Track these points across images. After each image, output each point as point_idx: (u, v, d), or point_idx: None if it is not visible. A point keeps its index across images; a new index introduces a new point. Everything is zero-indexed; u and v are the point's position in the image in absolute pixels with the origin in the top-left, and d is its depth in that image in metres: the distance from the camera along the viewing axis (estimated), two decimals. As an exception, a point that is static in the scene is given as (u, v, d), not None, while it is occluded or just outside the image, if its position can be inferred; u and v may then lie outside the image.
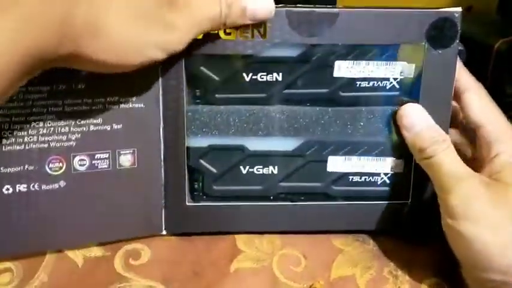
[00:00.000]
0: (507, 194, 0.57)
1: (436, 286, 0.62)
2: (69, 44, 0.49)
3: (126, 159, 0.61)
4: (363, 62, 0.61)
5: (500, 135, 0.61)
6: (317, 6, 0.60)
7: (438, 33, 0.60)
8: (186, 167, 0.63)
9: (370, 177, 0.65)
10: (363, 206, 0.66)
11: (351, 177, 0.65)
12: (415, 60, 0.61)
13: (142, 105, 0.60)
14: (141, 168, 0.62)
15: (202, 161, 0.64)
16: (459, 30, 0.60)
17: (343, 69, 0.61)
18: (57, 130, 0.59)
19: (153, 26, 0.53)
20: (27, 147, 0.58)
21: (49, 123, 0.58)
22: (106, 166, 0.61)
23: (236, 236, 0.66)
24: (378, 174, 0.65)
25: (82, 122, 0.59)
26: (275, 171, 0.65)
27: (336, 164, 0.65)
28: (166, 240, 0.65)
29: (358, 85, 0.62)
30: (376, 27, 0.60)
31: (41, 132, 0.58)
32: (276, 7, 0.58)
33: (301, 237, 0.66)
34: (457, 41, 0.61)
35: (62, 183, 0.60)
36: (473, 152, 0.64)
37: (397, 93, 0.63)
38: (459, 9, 0.60)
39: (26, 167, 0.59)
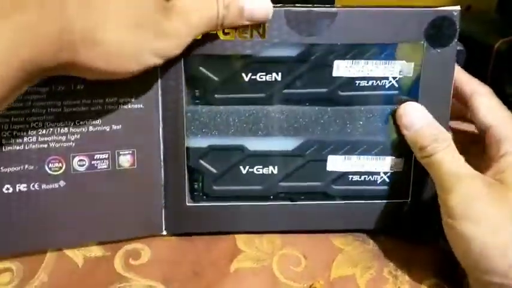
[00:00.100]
0: (508, 195, 0.56)
1: (436, 286, 0.61)
2: (67, 53, 0.49)
3: (125, 160, 0.61)
4: (362, 61, 0.61)
5: (510, 135, 0.60)
6: (315, 5, 0.60)
7: (437, 32, 0.60)
8: (185, 168, 0.63)
9: (370, 177, 0.65)
10: (363, 205, 0.66)
11: (350, 176, 0.65)
12: (414, 59, 0.61)
13: (141, 105, 0.60)
14: (141, 168, 0.62)
15: (202, 161, 0.64)
16: (458, 29, 0.60)
17: (342, 68, 0.61)
18: (57, 131, 0.59)
19: (150, 34, 0.52)
20: (26, 148, 0.58)
21: (48, 124, 0.58)
22: (105, 166, 0.61)
23: (236, 236, 0.66)
24: (378, 173, 0.65)
25: (81, 122, 0.59)
26: (275, 171, 0.64)
27: (336, 163, 0.64)
28: (166, 240, 0.65)
29: (357, 84, 0.62)
30: (374, 26, 0.60)
31: (40, 133, 0.58)
32: (275, 7, 0.58)
33: (301, 237, 0.66)
34: (456, 40, 0.61)
35: (62, 183, 0.60)
36: (483, 154, 0.64)
37: (396, 92, 0.62)
38: (458, 8, 0.60)
39: (26, 166, 0.59)
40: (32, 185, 0.59)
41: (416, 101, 0.62)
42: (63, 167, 0.60)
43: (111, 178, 0.61)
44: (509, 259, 0.54)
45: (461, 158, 0.59)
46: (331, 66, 0.61)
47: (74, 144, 0.59)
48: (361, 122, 0.63)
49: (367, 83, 0.62)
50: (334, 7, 0.60)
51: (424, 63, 0.61)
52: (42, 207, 0.60)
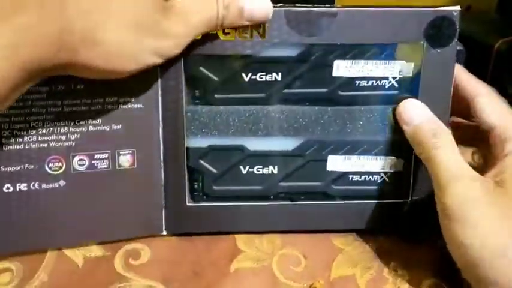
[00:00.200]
0: (504, 201, 0.55)
1: (436, 286, 0.61)
2: (67, 53, 0.48)
3: (125, 160, 0.61)
4: (362, 61, 0.61)
5: None
6: (315, 5, 0.59)
7: (436, 32, 0.60)
8: (186, 167, 0.63)
9: (370, 176, 0.65)
10: (363, 205, 0.65)
11: (350, 176, 0.65)
12: (413, 59, 0.61)
13: (141, 105, 0.60)
14: (141, 168, 0.61)
15: (202, 162, 0.63)
16: (458, 29, 0.60)
17: (342, 68, 0.61)
18: (57, 130, 0.58)
19: (149, 33, 0.52)
20: (26, 147, 0.58)
21: (48, 124, 0.58)
22: (105, 166, 0.61)
23: (236, 235, 0.66)
24: (378, 173, 0.65)
25: (81, 122, 0.59)
26: (275, 171, 0.64)
27: (336, 163, 0.64)
28: (166, 240, 0.65)
29: (357, 84, 0.62)
30: (374, 26, 0.60)
31: (40, 132, 0.58)
32: (275, 7, 0.58)
33: (301, 237, 0.65)
34: (456, 40, 0.60)
35: (62, 183, 0.60)
36: (488, 155, 0.63)
37: (396, 92, 0.62)
38: (457, 7, 0.60)
39: (26, 166, 0.59)
40: (32, 184, 0.59)
41: None
42: (63, 167, 0.59)
43: (111, 178, 0.61)
44: (497, 270, 0.53)
45: (461, 157, 0.58)
46: (331, 66, 0.61)
47: (74, 143, 0.59)
48: (361, 122, 0.63)
49: (367, 83, 0.61)
50: (334, 7, 0.60)
51: (424, 63, 0.61)
52: (42, 206, 0.60)
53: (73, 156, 0.60)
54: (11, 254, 0.61)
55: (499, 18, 0.85)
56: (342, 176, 0.65)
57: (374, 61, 0.61)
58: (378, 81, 0.61)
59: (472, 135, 0.64)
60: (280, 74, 0.61)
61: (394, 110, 0.62)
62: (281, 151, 0.63)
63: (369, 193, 0.65)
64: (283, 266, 0.62)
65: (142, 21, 0.51)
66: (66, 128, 0.59)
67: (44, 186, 0.60)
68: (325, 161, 0.64)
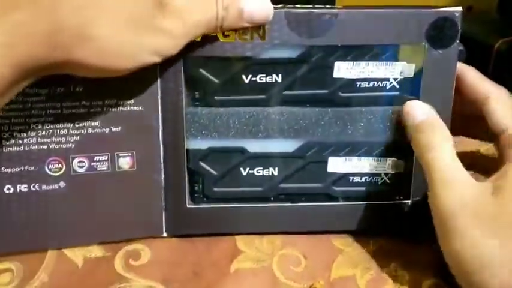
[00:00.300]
0: (495, 208, 0.53)
1: (436, 286, 0.60)
2: (60, 51, 0.48)
3: (125, 162, 0.60)
4: (363, 63, 0.60)
5: None
6: (316, 6, 0.58)
7: (438, 33, 0.58)
8: (186, 170, 0.62)
9: (371, 178, 0.64)
10: (364, 206, 0.64)
11: (351, 177, 0.64)
12: (415, 60, 0.60)
13: (141, 108, 0.59)
14: (141, 170, 0.61)
15: (202, 163, 0.62)
16: (459, 30, 0.58)
17: (342, 70, 0.60)
18: (56, 132, 0.58)
19: (145, 31, 0.51)
20: (26, 149, 0.58)
21: (48, 126, 0.57)
22: (105, 168, 0.60)
23: (236, 236, 0.65)
24: (379, 175, 0.64)
25: (80, 124, 0.58)
26: (275, 173, 0.63)
27: (336, 164, 0.63)
28: (166, 241, 0.64)
29: (358, 85, 0.60)
30: (375, 27, 0.58)
31: (39, 134, 0.58)
32: (275, 8, 0.56)
33: (301, 238, 0.65)
34: (458, 41, 0.59)
35: (62, 184, 0.59)
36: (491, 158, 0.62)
37: (397, 93, 0.61)
38: (459, 8, 0.58)
39: (26, 167, 0.58)
40: (32, 185, 0.59)
41: None
42: (63, 168, 0.59)
43: (110, 180, 0.60)
44: (482, 282, 0.52)
45: (458, 162, 0.56)
46: (331, 68, 0.60)
47: (73, 145, 0.59)
48: (361, 124, 0.62)
49: (368, 84, 0.60)
50: (335, 8, 0.59)
51: (425, 65, 0.60)
52: (43, 207, 0.60)
53: (73, 158, 0.59)
54: (11, 254, 0.61)
55: (499, 18, 0.85)
56: (343, 178, 0.64)
57: (375, 62, 0.60)
58: (379, 83, 0.60)
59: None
60: (280, 75, 0.60)
61: (395, 112, 0.61)
62: (281, 153, 0.63)
63: (369, 194, 0.64)
64: (283, 266, 0.62)
65: (138, 18, 0.50)
66: (65, 130, 0.58)
67: (44, 187, 0.59)
68: (326, 162, 0.63)
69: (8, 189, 0.58)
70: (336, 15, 0.58)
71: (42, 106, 0.57)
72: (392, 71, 0.60)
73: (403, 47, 0.59)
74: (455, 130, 0.60)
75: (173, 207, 0.63)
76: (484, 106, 0.61)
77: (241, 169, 0.63)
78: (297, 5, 0.58)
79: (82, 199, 0.60)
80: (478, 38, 0.68)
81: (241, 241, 0.64)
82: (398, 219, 0.65)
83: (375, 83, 0.60)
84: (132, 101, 0.59)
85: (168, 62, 0.56)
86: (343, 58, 0.59)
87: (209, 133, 0.61)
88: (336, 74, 0.60)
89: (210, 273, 0.61)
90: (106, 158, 0.60)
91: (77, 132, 0.58)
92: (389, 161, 0.63)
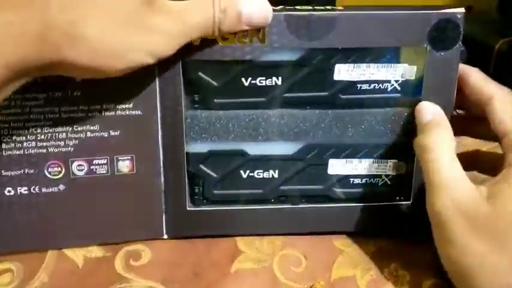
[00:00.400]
0: (487, 216, 0.52)
1: (436, 286, 0.59)
2: (50, 52, 0.46)
3: (124, 165, 0.59)
4: (363, 65, 0.58)
5: None
6: (316, 8, 0.57)
7: (440, 35, 0.57)
8: (185, 172, 0.61)
9: (371, 179, 0.63)
10: (364, 208, 0.63)
11: (351, 179, 0.63)
12: (416, 62, 0.58)
13: (139, 111, 0.58)
14: (140, 174, 0.60)
15: (202, 166, 0.61)
16: (462, 31, 0.57)
17: (343, 72, 0.58)
18: (55, 136, 0.57)
19: (136, 30, 0.49)
20: (26, 152, 0.57)
21: (46, 129, 0.57)
22: (104, 171, 0.59)
23: (237, 237, 0.64)
24: (379, 176, 0.63)
25: (79, 128, 0.58)
26: (275, 175, 0.62)
27: (337, 166, 0.62)
28: (166, 242, 0.63)
29: (358, 88, 0.59)
30: (376, 30, 0.57)
31: (39, 138, 0.57)
32: (274, 11, 0.55)
33: (301, 238, 0.64)
34: (460, 43, 0.57)
35: (62, 187, 0.59)
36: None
37: (398, 95, 0.60)
38: (462, 10, 0.57)
39: (26, 170, 0.58)
40: (32, 188, 0.58)
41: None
42: (63, 172, 0.58)
43: (110, 183, 0.60)
44: (477, 284, 0.51)
45: (457, 164, 0.55)
46: (332, 70, 0.58)
47: (72, 149, 0.58)
48: (362, 126, 0.61)
49: (369, 86, 0.59)
50: (335, 9, 0.57)
51: (427, 67, 0.58)
52: (43, 210, 0.59)
53: (72, 162, 0.58)
54: (11, 254, 0.60)
55: (499, 18, 0.85)
56: (343, 179, 0.63)
57: (376, 64, 0.58)
58: (380, 85, 0.59)
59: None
60: (280, 78, 0.58)
61: (396, 113, 0.61)
62: (282, 155, 0.62)
63: (370, 196, 0.64)
64: (283, 266, 0.61)
65: (127, 16, 0.48)
66: (64, 134, 0.58)
67: (44, 190, 0.59)
68: (326, 164, 0.62)
69: (9, 191, 0.58)
70: (336, 19, 0.56)
71: (41, 110, 0.56)
72: (393, 73, 0.59)
73: (404, 49, 0.58)
74: (456, 131, 0.59)
75: (173, 210, 0.62)
76: (487, 107, 0.59)
77: (242, 172, 0.62)
78: (296, 6, 0.57)
79: (82, 202, 0.60)
80: (478, 38, 0.67)
81: (241, 241, 0.64)
82: (399, 220, 0.64)
83: (376, 85, 0.59)
84: (130, 105, 0.58)
85: (166, 66, 0.56)
86: (344, 60, 0.58)
87: (209, 136, 0.60)
88: (337, 77, 0.59)
89: (211, 273, 0.60)
90: (105, 162, 0.59)
91: (76, 136, 0.58)
92: (390, 162, 0.62)
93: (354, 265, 0.61)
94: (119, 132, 0.58)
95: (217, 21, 0.52)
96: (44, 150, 0.58)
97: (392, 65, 0.59)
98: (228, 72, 0.58)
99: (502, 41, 0.73)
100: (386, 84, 0.59)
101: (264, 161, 0.62)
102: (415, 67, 0.59)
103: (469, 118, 0.63)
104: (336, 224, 0.64)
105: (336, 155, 0.62)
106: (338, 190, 0.63)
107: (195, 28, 0.52)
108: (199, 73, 0.58)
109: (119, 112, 0.58)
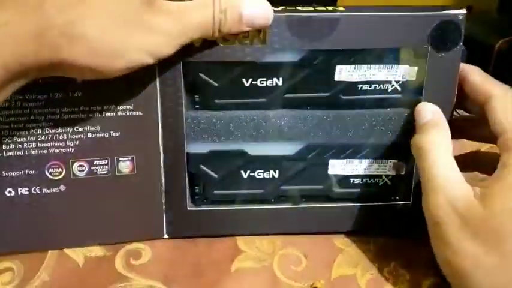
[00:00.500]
0: (478, 219, 0.51)
1: (436, 286, 0.59)
2: (49, 52, 0.46)
3: (125, 166, 0.59)
4: (365, 66, 0.58)
5: None
6: (317, 9, 0.56)
7: (441, 36, 0.56)
8: (186, 173, 0.60)
9: (372, 179, 0.63)
10: (364, 208, 0.63)
11: (352, 179, 0.63)
12: (417, 63, 0.58)
13: (140, 112, 0.58)
14: (141, 174, 0.60)
15: (202, 167, 0.61)
16: (463, 32, 0.56)
17: (344, 73, 0.58)
18: (56, 137, 0.57)
19: (135, 29, 0.48)
20: (27, 153, 0.57)
21: (47, 130, 0.57)
22: (105, 172, 0.59)
23: (237, 236, 0.64)
24: (379, 176, 0.62)
25: (79, 129, 0.57)
26: (276, 175, 0.62)
27: (337, 167, 0.62)
28: (167, 241, 0.63)
29: (359, 88, 0.59)
30: (377, 31, 0.56)
31: (39, 139, 0.57)
32: (275, 12, 0.54)
33: (301, 237, 0.63)
34: (461, 44, 0.57)
35: (62, 188, 0.59)
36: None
37: (399, 96, 0.59)
38: (463, 11, 0.56)
39: (27, 171, 0.58)
40: (33, 189, 0.58)
41: None
42: (63, 172, 0.58)
43: (111, 184, 0.59)
44: (470, 285, 0.51)
45: (453, 165, 0.54)
46: (333, 71, 0.58)
47: (73, 150, 0.58)
48: (363, 126, 0.60)
49: (370, 87, 0.59)
50: (336, 10, 0.56)
51: (428, 68, 0.58)
52: (44, 210, 0.59)
53: (72, 162, 0.58)
54: (13, 255, 0.60)
55: (499, 18, 0.84)
56: (343, 179, 0.63)
57: (377, 65, 0.58)
58: (381, 85, 0.59)
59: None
60: (281, 78, 0.58)
61: (397, 113, 0.60)
62: (282, 156, 0.61)
63: (370, 196, 0.63)
64: (284, 265, 0.61)
65: (126, 16, 0.48)
66: (65, 135, 0.57)
67: (44, 190, 0.58)
68: (327, 164, 0.62)
69: (10, 192, 0.58)
70: (338, 20, 0.55)
71: (41, 111, 0.56)
72: (394, 74, 0.58)
73: (405, 50, 0.58)
74: (456, 134, 0.59)
75: (174, 210, 0.61)
76: (486, 105, 0.58)
77: (242, 172, 0.62)
78: (297, 6, 0.56)
79: (82, 203, 0.60)
80: (478, 38, 0.67)
81: (241, 241, 0.63)
82: (399, 220, 0.64)
83: (377, 85, 0.59)
84: (131, 106, 0.57)
85: (167, 67, 0.55)
86: (345, 61, 0.57)
87: (209, 136, 0.60)
88: (338, 77, 0.58)
89: (211, 272, 0.60)
90: (106, 162, 0.59)
91: (77, 137, 0.57)
92: (390, 162, 0.62)
93: (354, 264, 0.61)
94: (119, 133, 0.58)
95: (218, 22, 0.52)
96: (45, 151, 0.57)
97: (393, 66, 0.58)
98: (229, 73, 0.57)
99: (501, 40, 0.73)
100: (387, 85, 0.59)
101: (265, 161, 0.61)
102: (416, 68, 0.58)
103: (469, 120, 0.63)
104: (336, 224, 0.64)
105: (337, 155, 0.61)
106: (338, 190, 0.63)
107: (195, 28, 0.51)
108: (200, 74, 0.57)
109: (119, 113, 0.57)
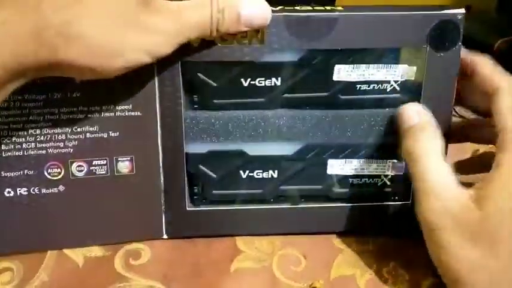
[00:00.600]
0: (474, 223, 0.51)
1: (436, 286, 0.58)
2: (47, 51, 0.45)
3: (124, 166, 0.59)
4: (363, 66, 0.57)
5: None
6: (315, 8, 0.56)
7: (440, 36, 0.56)
8: (185, 173, 0.60)
9: (371, 179, 0.62)
10: (363, 208, 0.63)
11: (351, 179, 0.62)
12: (416, 63, 0.57)
13: (138, 112, 0.57)
14: (140, 174, 0.59)
15: (201, 167, 0.61)
16: (462, 32, 0.56)
17: (342, 73, 0.57)
18: (54, 137, 0.57)
19: (132, 29, 0.48)
20: (25, 153, 0.57)
21: (46, 131, 0.56)
22: (104, 172, 0.59)
23: (236, 236, 0.63)
24: (378, 176, 0.62)
25: (78, 129, 0.57)
26: (275, 175, 0.61)
27: (336, 166, 0.61)
28: (166, 241, 0.62)
29: (358, 88, 0.58)
30: (376, 31, 0.56)
31: (38, 139, 0.57)
32: (273, 11, 0.54)
33: (301, 238, 0.63)
34: (460, 43, 0.56)
35: (61, 188, 0.58)
36: None
37: (398, 95, 0.59)
38: (462, 10, 0.55)
39: (26, 172, 0.57)
40: (32, 189, 0.58)
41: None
42: (62, 172, 0.58)
43: (110, 184, 0.59)
44: None
45: (446, 168, 0.53)
46: (331, 71, 0.57)
47: (72, 150, 0.57)
48: (362, 126, 0.60)
49: (369, 86, 0.58)
50: (334, 10, 0.56)
51: (427, 67, 0.57)
52: (43, 211, 0.59)
53: (71, 163, 0.58)
54: (12, 254, 0.60)
55: (498, 18, 0.84)
56: (342, 179, 0.62)
57: (375, 65, 0.57)
58: (380, 85, 0.58)
59: None
60: (279, 78, 0.58)
61: (396, 113, 0.59)
62: (281, 155, 0.61)
63: (369, 196, 0.63)
64: (283, 266, 0.60)
65: (123, 15, 0.48)
66: (63, 135, 0.57)
67: (44, 191, 0.58)
68: (326, 164, 0.61)
69: (9, 192, 0.58)
70: (336, 20, 0.55)
71: (40, 112, 0.56)
72: (393, 74, 0.58)
73: (404, 50, 0.57)
74: (458, 137, 0.58)
75: (173, 210, 0.61)
76: (492, 97, 0.56)
77: (241, 172, 0.61)
78: (296, 6, 0.56)
79: (82, 203, 0.59)
80: (477, 37, 0.67)
81: (241, 241, 0.63)
82: (398, 220, 0.63)
83: (376, 85, 0.58)
84: (130, 106, 0.57)
85: (166, 67, 0.55)
86: (343, 61, 0.57)
87: (208, 136, 0.59)
88: (336, 77, 0.58)
89: (210, 272, 0.59)
90: (105, 163, 0.58)
91: (75, 137, 0.57)
92: (389, 162, 0.62)
93: (353, 264, 0.61)
94: (118, 133, 0.58)
95: (215, 22, 0.51)
96: (44, 151, 0.57)
97: (392, 65, 0.58)
98: (227, 73, 0.57)
99: (500, 40, 0.73)
100: (385, 84, 0.58)
101: (264, 161, 0.61)
102: (415, 68, 0.58)
103: (470, 123, 0.62)
104: (335, 224, 0.63)
105: (336, 155, 0.61)
106: (337, 190, 0.63)
107: (192, 28, 0.51)
108: (199, 74, 0.57)
109: (118, 113, 0.57)
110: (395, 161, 0.62)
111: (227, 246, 0.62)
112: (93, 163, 0.58)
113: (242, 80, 0.57)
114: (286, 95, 0.58)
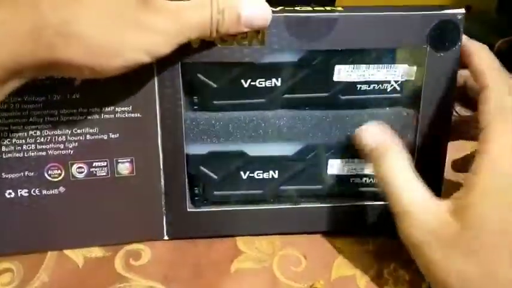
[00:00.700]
0: (455, 237, 0.50)
1: (435, 286, 0.58)
2: (45, 51, 0.45)
3: (124, 168, 0.58)
4: (363, 66, 0.57)
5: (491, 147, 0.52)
6: (315, 9, 0.55)
7: (440, 36, 0.56)
8: (186, 174, 0.60)
9: (371, 179, 0.62)
10: (364, 208, 0.62)
11: (351, 179, 0.62)
12: (416, 63, 0.57)
13: (138, 114, 0.57)
14: (140, 176, 0.59)
15: (202, 168, 0.60)
16: (462, 32, 0.56)
17: (343, 73, 0.57)
18: (54, 139, 0.56)
19: (132, 28, 0.48)
20: (26, 155, 0.56)
21: (46, 132, 0.56)
22: (104, 174, 0.58)
23: (237, 236, 0.63)
24: None
25: (78, 131, 0.57)
26: (275, 176, 0.61)
27: (337, 166, 0.61)
28: (166, 241, 0.62)
29: (358, 88, 0.58)
30: (376, 31, 0.55)
31: (38, 141, 0.56)
32: (273, 12, 0.53)
33: (301, 238, 0.63)
34: (460, 44, 0.56)
35: (62, 189, 0.58)
36: None
37: (398, 95, 0.59)
38: (462, 10, 0.55)
39: (26, 173, 0.57)
40: (32, 190, 0.58)
41: (419, 104, 0.58)
42: (63, 174, 0.58)
43: (110, 185, 0.59)
44: None
45: (415, 183, 0.53)
46: (331, 71, 0.57)
47: (72, 151, 0.57)
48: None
49: (369, 87, 0.58)
50: (334, 10, 0.56)
51: (427, 67, 0.57)
52: (43, 212, 0.58)
53: (72, 164, 0.58)
54: (12, 254, 0.59)
55: (498, 18, 0.84)
56: (343, 179, 0.62)
57: (376, 65, 0.57)
58: (380, 85, 0.58)
59: None
60: (280, 79, 0.57)
61: (396, 113, 0.60)
62: (281, 156, 0.61)
63: (369, 196, 0.62)
64: (283, 266, 0.60)
65: (122, 14, 0.47)
66: (63, 137, 0.57)
67: (44, 192, 0.58)
68: (326, 164, 0.61)
69: (9, 194, 0.57)
70: (336, 20, 0.55)
71: (40, 113, 0.55)
72: (393, 74, 0.58)
73: (404, 50, 0.57)
74: (454, 135, 0.58)
75: (174, 211, 0.61)
76: (480, 94, 0.55)
77: (242, 173, 0.61)
78: (296, 7, 0.56)
79: (82, 204, 0.59)
80: (477, 38, 0.66)
81: (241, 241, 0.63)
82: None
83: (376, 85, 0.58)
84: (130, 108, 0.57)
85: (165, 68, 0.55)
86: (344, 61, 0.57)
87: (209, 137, 0.59)
88: (336, 77, 0.57)
89: (211, 273, 0.59)
90: (105, 164, 0.58)
91: (75, 139, 0.57)
92: None
93: (353, 265, 0.61)
94: (118, 134, 0.57)
95: (215, 23, 0.51)
96: (44, 153, 0.57)
97: (392, 65, 0.57)
98: (227, 74, 0.57)
99: (501, 40, 0.74)
100: (386, 84, 0.58)
101: (264, 162, 0.61)
102: (415, 68, 0.58)
103: (465, 121, 0.62)
104: (335, 224, 0.63)
105: (336, 155, 0.61)
106: (337, 190, 0.63)
107: (192, 28, 0.51)
108: (198, 75, 0.57)
109: (118, 114, 0.57)
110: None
111: (227, 247, 0.62)
112: (94, 164, 0.58)
113: (242, 80, 0.57)
114: (286, 95, 0.58)
